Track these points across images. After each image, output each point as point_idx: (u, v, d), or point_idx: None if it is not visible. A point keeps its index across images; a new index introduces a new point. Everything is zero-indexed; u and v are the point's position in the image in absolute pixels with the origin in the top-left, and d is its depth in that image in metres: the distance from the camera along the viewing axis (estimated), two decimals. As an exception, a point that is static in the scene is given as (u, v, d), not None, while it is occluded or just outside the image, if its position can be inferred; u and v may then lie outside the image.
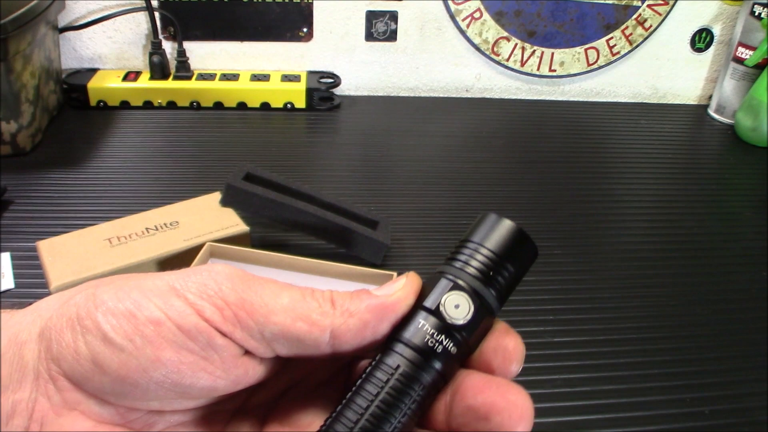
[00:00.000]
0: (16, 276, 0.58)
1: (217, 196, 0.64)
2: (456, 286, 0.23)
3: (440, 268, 0.24)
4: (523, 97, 1.02)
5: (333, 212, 0.62)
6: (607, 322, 0.59)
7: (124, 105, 0.90)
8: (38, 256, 0.55)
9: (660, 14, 0.98)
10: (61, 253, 0.55)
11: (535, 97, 1.02)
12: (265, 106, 0.92)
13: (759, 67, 0.93)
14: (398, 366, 0.22)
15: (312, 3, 0.93)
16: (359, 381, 0.22)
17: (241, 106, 0.91)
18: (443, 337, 0.22)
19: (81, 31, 0.91)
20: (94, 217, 0.66)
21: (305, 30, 0.95)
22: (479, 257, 0.24)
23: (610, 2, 0.97)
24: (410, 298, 0.23)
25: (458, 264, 0.24)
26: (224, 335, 0.21)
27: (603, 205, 0.77)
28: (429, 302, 0.23)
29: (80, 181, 0.74)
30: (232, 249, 0.56)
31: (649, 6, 0.97)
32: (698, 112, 1.03)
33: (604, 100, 1.05)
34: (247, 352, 0.22)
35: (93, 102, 0.89)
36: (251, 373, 0.23)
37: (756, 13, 0.91)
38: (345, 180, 0.78)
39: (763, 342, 0.58)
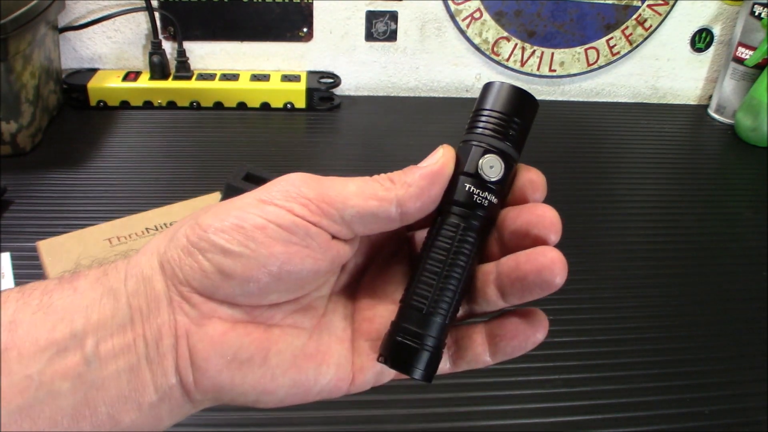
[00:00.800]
0: (16, 276, 0.58)
1: (217, 196, 0.64)
2: (485, 150, 0.28)
3: (465, 137, 0.29)
4: (523, 97, 1.02)
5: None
6: (607, 322, 0.59)
7: (124, 105, 0.90)
8: (38, 256, 0.55)
9: (660, 14, 0.98)
10: (61, 253, 0.55)
11: (535, 97, 1.02)
12: (265, 106, 0.92)
13: (759, 67, 0.93)
14: (458, 223, 0.27)
15: (312, 3, 0.93)
16: (431, 241, 0.28)
17: (241, 106, 0.91)
18: (486, 192, 0.28)
19: (81, 31, 0.91)
20: (94, 217, 0.66)
21: (305, 30, 0.95)
22: (493, 120, 0.29)
23: (610, 2, 0.97)
24: (451, 163, 0.27)
25: (479, 130, 0.29)
26: (315, 225, 0.26)
27: (603, 205, 0.77)
28: (468, 168, 0.28)
29: (80, 181, 0.74)
30: None
31: (649, 6, 0.97)
32: (698, 112, 1.03)
33: (604, 100, 1.05)
34: (335, 237, 0.27)
35: (93, 102, 0.89)
36: (342, 252, 0.27)
37: (756, 13, 0.91)
38: (345, 180, 0.78)
39: (763, 342, 0.58)
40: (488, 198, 0.28)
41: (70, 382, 0.24)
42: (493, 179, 0.28)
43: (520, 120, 0.29)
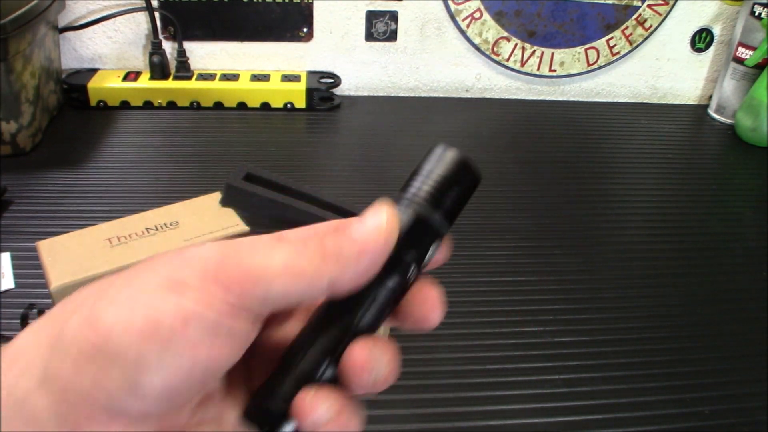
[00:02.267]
0: (16, 276, 0.58)
1: (217, 196, 0.64)
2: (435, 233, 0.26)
3: (403, 199, 0.27)
4: (523, 97, 1.02)
5: (333, 212, 0.62)
6: (607, 322, 0.59)
7: (124, 105, 0.90)
8: (38, 256, 0.55)
9: (660, 14, 0.98)
10: (61, 253, 0.55)
11: (535, 97, 1.02)
12: (265, 106, 0.92)
13: (759, 67, 0.93)
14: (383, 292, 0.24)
15: (312, 3, 0.93)
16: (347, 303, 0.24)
17: (241, 106, 0.91)
18: (415, 266, 0.25)
19: (81, 31, 0.91)
20: (94, 217, 0.66)
21: (305, 30, 0.95)
22: (426, 186, 0.26)
23: (610, 2, 0.97)
24: (394, 236, 0.23)
25: (408, 194, 0.26)
26: (238, 316, 0.21)
27: (603, 205, 0.77)
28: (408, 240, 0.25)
29: (80, 181, 0.74)
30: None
31: (649, 6, 0.97)
32: (698, 112, 1.03)
33: (604, 100, 1.05)
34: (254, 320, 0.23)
35: (93, 102, 0.89)
36: (257, 331, 0.23)
37: (756, 13, 0.91)
38: (345, 180, 0.78)
39: (763, 342, 0.58)
40: (414, 271, 0.25)
41: None
42: (427, 260, 0.25)
43: (456, 191, 0.26)
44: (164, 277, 0.21)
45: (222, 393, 0.24)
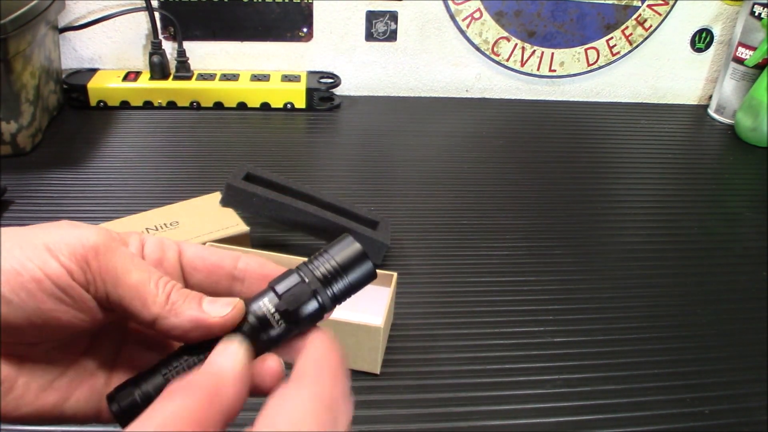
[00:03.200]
0: (16, 276, 0.58)
1: (217, 196, 0.64)
2: (313, 291, 0.28)
3: (300, 264, 0.29)
4: (523, 97, 1.02)
5: (333, 212, 0.62)
6: (607, 322, 0.59)
7: (124, 105, 0.90)
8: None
9: (660, 14, 0.98)
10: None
11: (535, 97, 1.02)
12: (265, 106, 0.92)
13: (759, 67, 0.93)
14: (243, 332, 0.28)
15: (312, 3, 0.93)
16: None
17: (241, 106, 0.91)
18: (285, 322, 0.28)
19: (81, 31, 0.91)
20: (94, 217, 0.66)
21: (305, 30, 0.95)
22: (327, 265, 0.28)
23: (610, 2, 0.97)
24: (227, 328, 0.27)
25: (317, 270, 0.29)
26: (89, 293, 0.27)
27: (603, 205, 0.77)
28: (280, 289, 0.28)
29: (80, 181, 0.74)
30: (231, 249, 0.56)
31: (649, 6, 0.97)
32: (698, 112, 1.03)
33: (604, 100, 1.05)
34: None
35: (93, 102, 0.89)
36: (107, 317, 0.28)
37: (756, 13, 0.91)
38: (345, 180, 0.78)
39: (763, 342, 0.58)
40: (281, 327, 0.28)
41: None
42: (305, 316, 0.28)
43: (350, 281, 0.29)
44: (43, 242, 0.26)
45: (86, 352, 0.29)
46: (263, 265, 0.30)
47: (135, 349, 0.31)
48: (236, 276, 0.30)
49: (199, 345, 0.28)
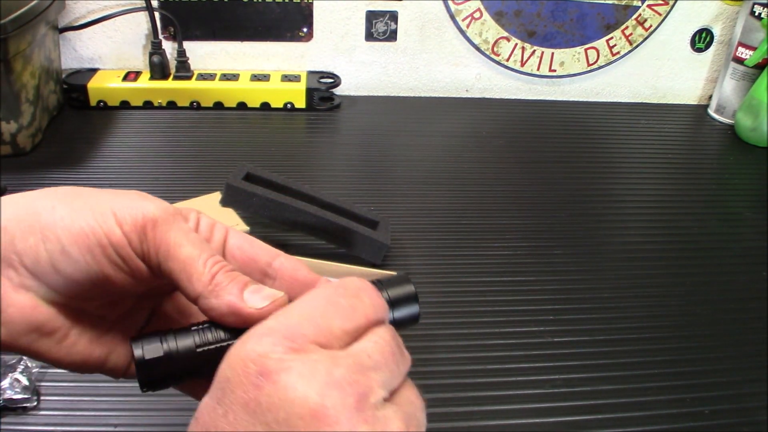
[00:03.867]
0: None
1: (217, 196, 0.64)
2: None
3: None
4: (523, 97, 1.02)
5: (333, 212, 0.62)
6: (607, 322, 0.59)
7: (124, 105, 0.90)
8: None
9: (660, 14, 0.98)
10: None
11: (535, 97, 1.02)
12: (265, 106, 0.92)
13: (759, 67, 0.93)
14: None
15: (312, 3, 0.93)
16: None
17: (241, 106, 0.91)
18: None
19: (81, 31, 0.91)
20: (94, 217, 0.66)
21: (305, 30, 0.95)
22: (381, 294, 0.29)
23: (610, 2, 0.97)
24: (262, 320, 0.27)
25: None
26: (142, 260, 0.28)
27: (603, 205, 0.77)
28: None
29: (80, 181, 0.74)
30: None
31: (649, 6, 0.97)
32: (698, 112, 1.03)
33: (604, 100, 1.05)
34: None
35: (93, 102, 0.89)
36: (154, 283, 0.30)
37: (756, 13, 0.91)
38: (345, 180, 0.78)
39: (763, 342, 0.58)
40: None
41: None
42: None
43: (394, 317, 0.30)
44: (110, 208, 0.28)
45: (131, 311, 0.32)
46: (297, 269, 0.31)
47: (174, 312, 0.33)
48: (269, 273, 0.31)
49: (234, 329, 0.28)
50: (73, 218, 0.28)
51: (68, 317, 0.29)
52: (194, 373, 0.28)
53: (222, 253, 0.31)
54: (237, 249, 0.31)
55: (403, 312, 0.30)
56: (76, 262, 0.27)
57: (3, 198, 0.29)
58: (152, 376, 0.28)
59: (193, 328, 0.28)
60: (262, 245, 0.31)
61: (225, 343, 0.27)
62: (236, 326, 0.27)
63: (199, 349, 0.28)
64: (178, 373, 0.28)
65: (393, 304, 0.30)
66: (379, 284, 0.30)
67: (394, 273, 0.31)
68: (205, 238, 0.30)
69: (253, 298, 0.27)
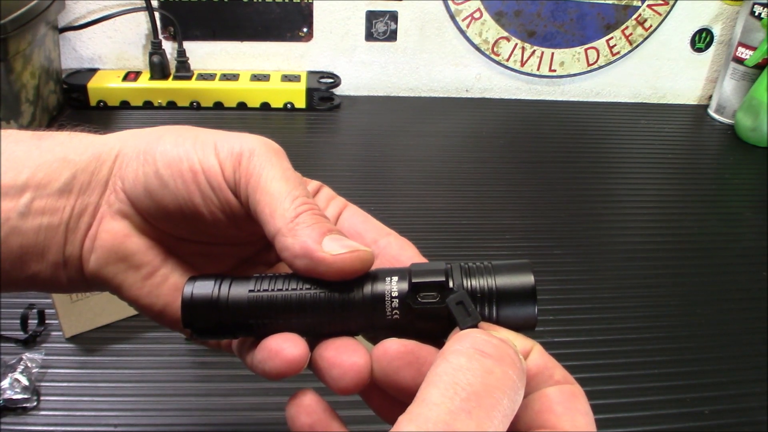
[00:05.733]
0: (16, 276, 0.58)
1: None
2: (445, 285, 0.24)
3: (457, 263, 0.25)
4: (523, 97, 1.02)
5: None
6: (607, 322, 0.59)
7: (124, 105, 0.90)
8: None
9: (660, 14, 0.98)
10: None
11: (535, 97, 1.02)
12: (265, 106, 0.92)
13: (759, 67, 0.93)
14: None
15: (312, 3, 0.93)
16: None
17: (241, 106, 0.91)
18: (400, 306, 0.24)
19: (81, 31, 0.91)
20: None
21: (305, 30, 0.95)
22: (483, 281, 0.24)
23: (610, 2, 0.97)
24: (335, 269, 0.24)
25: (468, 268, 0.25)
26: (233, 192, 0.27)
27: (603, 205, 0.77)
28: (413, 277, 0.24)
29: (80, 181, 0.74)
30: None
31: (649, 6, 0.97)
32: (698, 112, 1.03)
33: (604, 100, 1.05)
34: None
35: (93, 102, 0.89)
36: (244, 224, 0.28)
37: (756, 13, 0.91)
38: (345, 180, 0.78)
39: (763, 342, 0.58)
40: (392, 317, 0.24)
41: None
42: (423, 302, 0.24)
43: (503, 312, 0.24)
44: (213, 141, 0.28)
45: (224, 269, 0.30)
46: (402, 250, 0.29)
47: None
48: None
49: (304, 278, 0.25)
50: (176, 144, 0.28)
51: (159, 253, 0.29)
52: (244, 327, 0.26)
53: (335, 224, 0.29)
54: (347, 222, 0.30)
55: (510, 312, 0.24)
56: (166, 185, 0.27)
57: (126, 131, 0.30)
58: (197, 318, 0.25)
59: (255, 275, 0.26)
60: (377, 224, 0.30)
61: (279, 293, 0.25)
62: (306, 273, 0.25)
63: (251, 294, 0.25)
64: (225, 321, 0.25)
65: (500, 296, 0.24)
66: (490, 268, 0.24)
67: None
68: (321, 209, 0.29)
69: (331, 244, 0.25)
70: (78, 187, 0.28)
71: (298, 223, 0.25)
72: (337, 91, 0.96)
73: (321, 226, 0.25)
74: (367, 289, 0.24)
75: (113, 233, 0.28)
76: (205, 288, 0.26)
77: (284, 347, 0.24)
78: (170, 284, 0.29)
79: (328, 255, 0.24)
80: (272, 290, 0.25)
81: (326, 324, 0.25)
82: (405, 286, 0.24)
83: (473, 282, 0.24)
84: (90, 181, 0.28)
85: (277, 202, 0.26)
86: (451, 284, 0.24)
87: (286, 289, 0.25)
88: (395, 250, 0.29)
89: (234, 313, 0.25)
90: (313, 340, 0.26)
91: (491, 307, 0.24)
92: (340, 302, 0.25)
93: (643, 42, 1.00)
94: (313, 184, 0.31)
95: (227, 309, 0.25)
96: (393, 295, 0.24)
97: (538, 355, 0.24)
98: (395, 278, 0.24)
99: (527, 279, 0.24)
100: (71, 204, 0.28)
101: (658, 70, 1.03)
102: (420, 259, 0.27)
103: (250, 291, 0.25)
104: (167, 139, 0.28)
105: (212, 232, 0.29)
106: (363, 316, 0.24)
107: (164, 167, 0.27)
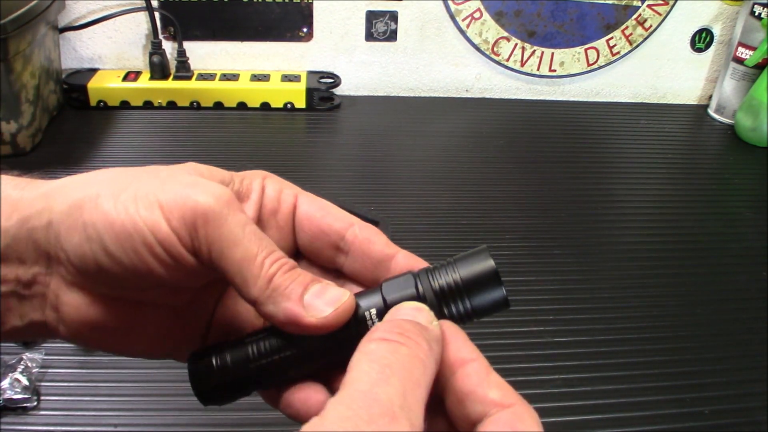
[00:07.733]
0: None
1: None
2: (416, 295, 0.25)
3: (423, 268, 0.26)
4: (523, 97, 1.02)
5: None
6: (607, 322, 0.59)
7: (124, 105, 0.90)
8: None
9: (660, 14, 0.98)
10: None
11: (535, 97, 1.02)
12: (265, 106, 0.92)
13: (759, 67, 0.93)
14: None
15: (312, 3, 0.93)
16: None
17: (241, 106, 0.91)
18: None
19: (81, 31, 0.91)
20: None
21: (305, 30, 0.95)
22: (449, 278, 0.25)
23: (610, 2, 0.97)
24: (324, 330, 0.25)
25: (429, 273, 0.26)
26: (194, 256, 0.26)
27: (603, 205, 0.77)
28: (387, 292, 0.25)
29: (80, 181, 0.74)
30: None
31: (649, 6, 0.97)
32: (698, 112, 1.03)
33: (604, 100, 1.05)
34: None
35: (93, 102, 0.89)
36: (211, 276, 0.27)
37: (756, 13, 0.91)
38: (345, 180, 0.78)
39: (763, 342, 0.58)
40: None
41: None
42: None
43: (472, 303, 0.25)
44: (157, 200, 0.26)
45: (194, 299, 0.29)
46: (370, 243, 0.28)
47: (231, 303, 0.30)
48: (341, 248, 0.28)
49: (295, 336, 0.25)
50: (117, 212, 0.25)
51: (127, 311, 0.27)
52: (257, 384, 0.27)
53: (291, 225, 0.29)
54: (306, 220, 0.29)
55: (480, 299, 0.25)
56: (120, 262, 0.25)
57: (56, 183, 0.27)
58: (208, 392, 0.26)
59: (247, 339, 0.26)
60: (335, 211, 0.29)
61: (278, 356, 0.26)
62: (297, 333, 0.25)
63: (252, 365, 0.26)
64: (237, 386, 0.26)
65: (466, 288, 0.25)
66: (451, 266, 0.25)
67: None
68: (272, 209, 0.28)
69: (315, 304, 0.25)
70: (15, 257, 0.26)
71: (274, 289, 0.25)
72: (337, 91, 0.96)
73: (296, 284, 0.25)
74: (352, 324, 0.25)
75: (75, 306, 0.27)
76: (207, 368, 0.27)
77: (310, 395, 0.26)
78: (150, 332, 0.28)
79: (314, 320, 0.25)
80: (271, 359, 0.26)
81: (323, 366, 0.27)
82: (382, 307, 0.25)
83: (440, 282, 0.25)
84: (25, 251, 0.26)
85: (247, 270, 0.25)
86: (421, 290, 0.25)
87: (284, 353, 0.26)
88: (363, 245, 0.28)
89: (242, 382, 0.27)
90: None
91: (463, 300, 0.25)
92: (334, 344, 0.26)
93: (643, 42, 1.00)
94: (255, 184, 0.30)
95: (234, 382, 0.26)
96: (374, 320, 0.25)
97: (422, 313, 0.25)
98: (373, 310, 0.25)
99: (487, 264, 0.25)
100: (13, 273, 0.26)
101: (658, 70, 1.03)
102: (389, 245, 0.28)
103: (251, 361, 0.26)
104: (105, 202, 0.25)
105: (167, 284, 0.27)
106: (352, 347, 0.25)
107: (114, 243, 0.25)
